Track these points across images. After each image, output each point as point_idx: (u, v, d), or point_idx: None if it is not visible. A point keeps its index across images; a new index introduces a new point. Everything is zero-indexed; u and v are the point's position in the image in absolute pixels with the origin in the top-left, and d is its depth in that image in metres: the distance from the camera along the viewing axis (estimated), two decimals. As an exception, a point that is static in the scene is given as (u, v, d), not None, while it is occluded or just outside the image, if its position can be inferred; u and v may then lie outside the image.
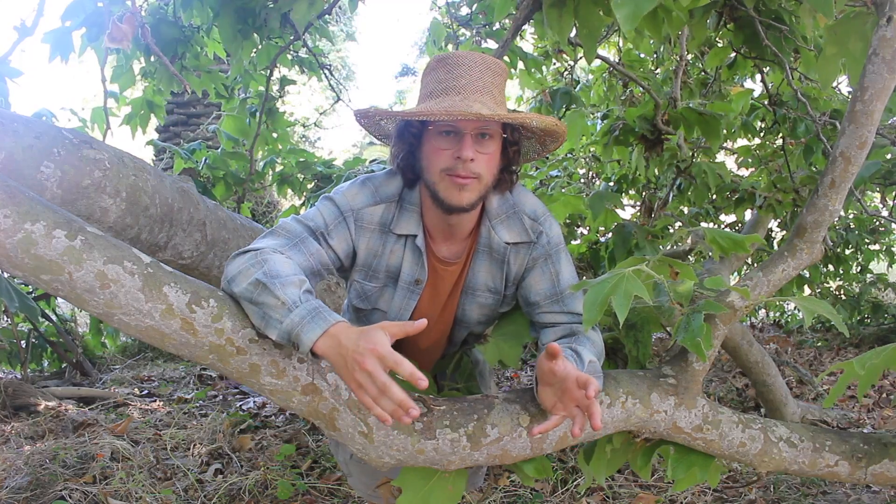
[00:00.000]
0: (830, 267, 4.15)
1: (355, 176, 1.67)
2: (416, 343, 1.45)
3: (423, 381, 0.89)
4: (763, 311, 5.71)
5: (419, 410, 0.94)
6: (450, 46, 3.27)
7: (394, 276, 1.32)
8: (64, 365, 3.99)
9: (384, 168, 1.34)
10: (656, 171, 2.99)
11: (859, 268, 4.49)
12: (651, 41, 2.85)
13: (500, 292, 1.37)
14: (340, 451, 1.58)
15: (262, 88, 3.24)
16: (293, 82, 3.47)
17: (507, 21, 2.78)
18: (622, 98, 3.44)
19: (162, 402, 3.43)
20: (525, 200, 1.33)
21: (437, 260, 1.34)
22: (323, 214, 1.25)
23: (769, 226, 3.73)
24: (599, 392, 1.06)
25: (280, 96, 3.38)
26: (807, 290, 4.58)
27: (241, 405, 3.35)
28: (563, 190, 3.35)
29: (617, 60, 3.21)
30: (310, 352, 0.99)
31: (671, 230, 2.73)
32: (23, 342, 3.59)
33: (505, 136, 1.23)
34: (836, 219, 1.62)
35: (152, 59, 2.66)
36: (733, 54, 2.49)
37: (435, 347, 1.49)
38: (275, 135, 3.26)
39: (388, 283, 1.33)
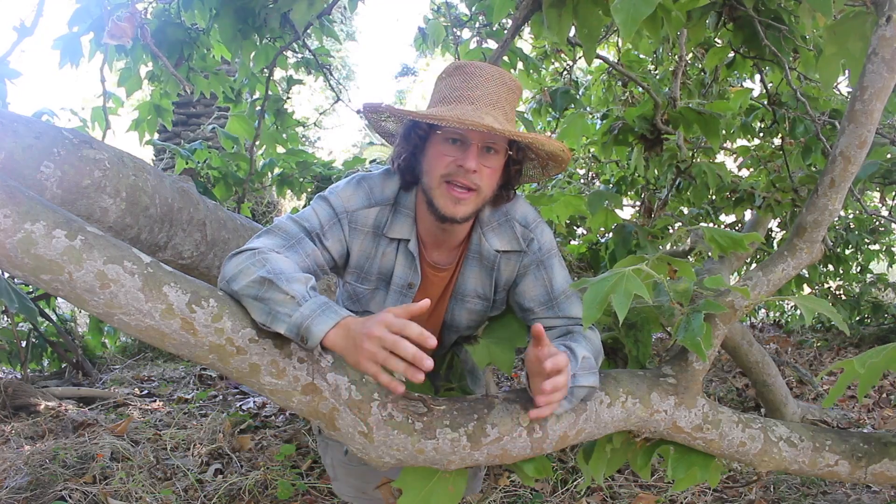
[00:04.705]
0: (830, 267, 4.15)
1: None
2: None
3: (432, 340, 0.91)
4: (763, 311, 5.71)
5: (431, 361, 0.93)
6: (446, 53, 3.28)
7: (386, 279, 1.32)
8: (64, 365, 3.99)
9: (382, 167, 1.34)
10: (656, 171, 3.00)
11: (859, 268, 4.49)
12: (650, 41, 2.85)
13: (489, 299, 1.37)
14: (328, 453, 1.57)
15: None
16: (301, 82, 3.46)
17: (507, 21, 2.78)
18: (622, 98, 3.44)
19: (162, 402, 3.43)
20: (517, 207, 1.33)
21: (428, 265, 1.34)
22: (318, 215, 1.24)
23: (769, 226, 3.74)
24: (560, 367, 1.04)
25: (287, 98, 3.37)
26: (806, 290, 4.58)
27: (241, 405, 3.35)
28: (562, 190, 3.35)
29: (616, 60, 3.21)
30: (319, 344, 0.99)
31: (671, 230, 2.73)
32: (23, 342, 3.58)
33: (510, 153, 1.23)
34: (836, 218, 1.62)
35: (159, 62, 2.65)
36: (732, 54, 2.49)
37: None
38: (284, 135, 3.25)
39: (379, 285, 1.33)
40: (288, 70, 3.31)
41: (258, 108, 3.18)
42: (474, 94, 1.17)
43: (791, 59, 2.28)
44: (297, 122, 3.33)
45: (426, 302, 0.97)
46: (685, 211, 3.63)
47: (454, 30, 3.11)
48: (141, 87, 2.79)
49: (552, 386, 1.05)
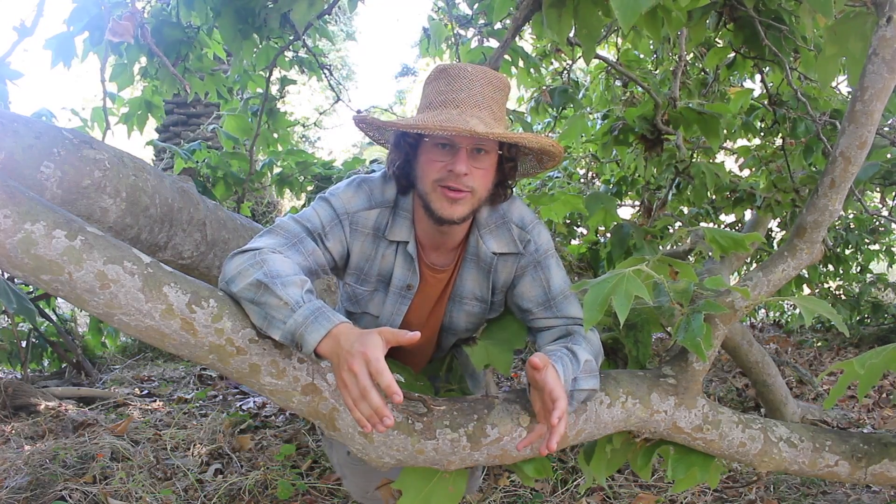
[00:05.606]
0: (830, 267, 4.15)
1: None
2: (403, 347, 1.45)
3: (399, 396, 0.90)
4: (763, 311, 5.70)
5: (392, 420, 0.94)
6: (447, 53, 3.27)
7: (385, 281, 1.33)
8: (64, 365, 3.98)
9: (382, 168, 1.34)
10: (654, 171, 2.99)
11: (859, 268, 4.49)
12: (650, 41, 2.85)
13: (486, 300, 1.37)
14: (334, 452, 1.58)
15: (260, 90, 3.23)
16: (294, 82, 3.46)
17: (507, 21, 2.77)
18: (622, 98, 3.44)
19: (162, 402, 3.43)
20: (514, 209, 1.33)
21: (426, 266, 1.34)
22: (319, 215, 1.25)
23: (769, 226, 3.74)
24: (565, 414, 1.05)
25: (281, 97, 3.37)
26: (806, 290, 4.58)
27: (241, 405, 3.35)
28: (562, 189, 3.35)
29: (615, 60, 3.20)
30: (313, 352, 0.99)
31: (671, 230, 2.73)
32: (23, 342, 3.58)
33: (501, 152, 1.23)
34: (836, 219, 1.62)
35: (155, 60, 2.65)
36: (733, 54, 2.49)
37: (423, 352, 1.50)
38: (275, 135, 3.25)
39: (379, 287, 1.34)
40: (289, 70, 3.30)
41: (251, 105, 3.18)
42: (459, 96, 1.16)
43: (791, 59, 2.28)
44: (291, 122, 3.32)
45: (416, 334, 0.98)
46: (685, 211, 3.63)
47: (458, 30, 3.11)
48: (133, 83, 2.77)
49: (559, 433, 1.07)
